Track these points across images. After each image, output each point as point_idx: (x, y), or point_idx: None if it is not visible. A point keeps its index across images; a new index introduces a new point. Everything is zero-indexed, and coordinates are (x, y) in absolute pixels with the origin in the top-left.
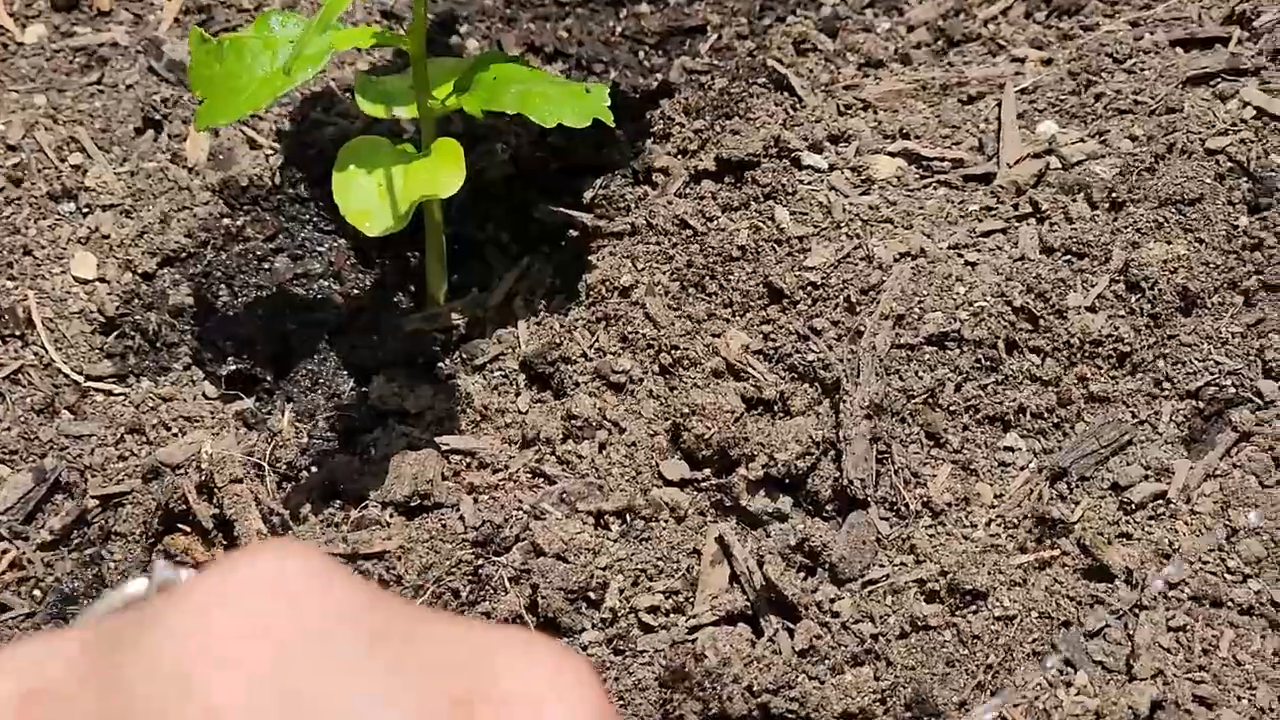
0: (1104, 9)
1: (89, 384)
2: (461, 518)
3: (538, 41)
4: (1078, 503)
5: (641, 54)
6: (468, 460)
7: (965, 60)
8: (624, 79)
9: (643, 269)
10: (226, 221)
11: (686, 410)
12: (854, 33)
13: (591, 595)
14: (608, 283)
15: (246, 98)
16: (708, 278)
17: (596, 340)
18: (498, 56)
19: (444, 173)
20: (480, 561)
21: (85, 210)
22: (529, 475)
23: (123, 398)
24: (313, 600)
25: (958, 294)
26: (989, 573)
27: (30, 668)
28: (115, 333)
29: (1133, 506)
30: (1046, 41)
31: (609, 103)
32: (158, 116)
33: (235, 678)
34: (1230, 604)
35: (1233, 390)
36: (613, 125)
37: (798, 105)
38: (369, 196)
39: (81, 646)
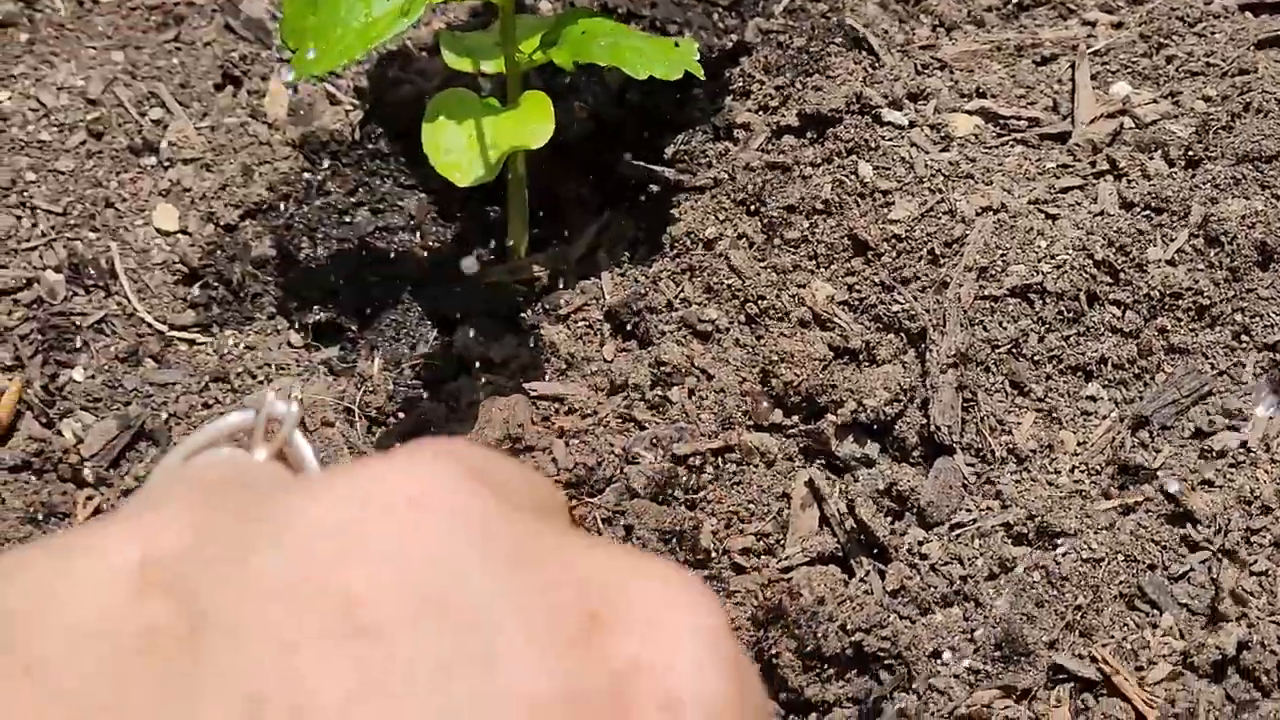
0: None
1: (173, 333)
2: (554, 460)
3: (611, 3)
4: (1159, 450)
5: (715, 15)
6: (556, 406)
7: (1037, 23)
8: (699, 39)
9: (726, 221)
10: (307, 176)
11: (774, 358)
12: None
13: (685, 536)
14: (691, 235)
15: (344, 48)
16: (792, 230)
17: (681, 291)
18: (583, 11)
19: (533, 124)
20: (574, 503)
21: (166, 164)
22: (619, 420)
23: (206, 346)
24: (463, 507)
25: (1039, 247)
26: (1075, 517)
27: (151, 535)
28: (199, 283)
29: (1214, 454)
30: (1116, 6)
31: (698, 56)
32: (236, 73)
33: (379, 573)
34: None
35: None
36: (702, 78)
37: (876, 64)
38: (459, 147)
39: (206, 515)
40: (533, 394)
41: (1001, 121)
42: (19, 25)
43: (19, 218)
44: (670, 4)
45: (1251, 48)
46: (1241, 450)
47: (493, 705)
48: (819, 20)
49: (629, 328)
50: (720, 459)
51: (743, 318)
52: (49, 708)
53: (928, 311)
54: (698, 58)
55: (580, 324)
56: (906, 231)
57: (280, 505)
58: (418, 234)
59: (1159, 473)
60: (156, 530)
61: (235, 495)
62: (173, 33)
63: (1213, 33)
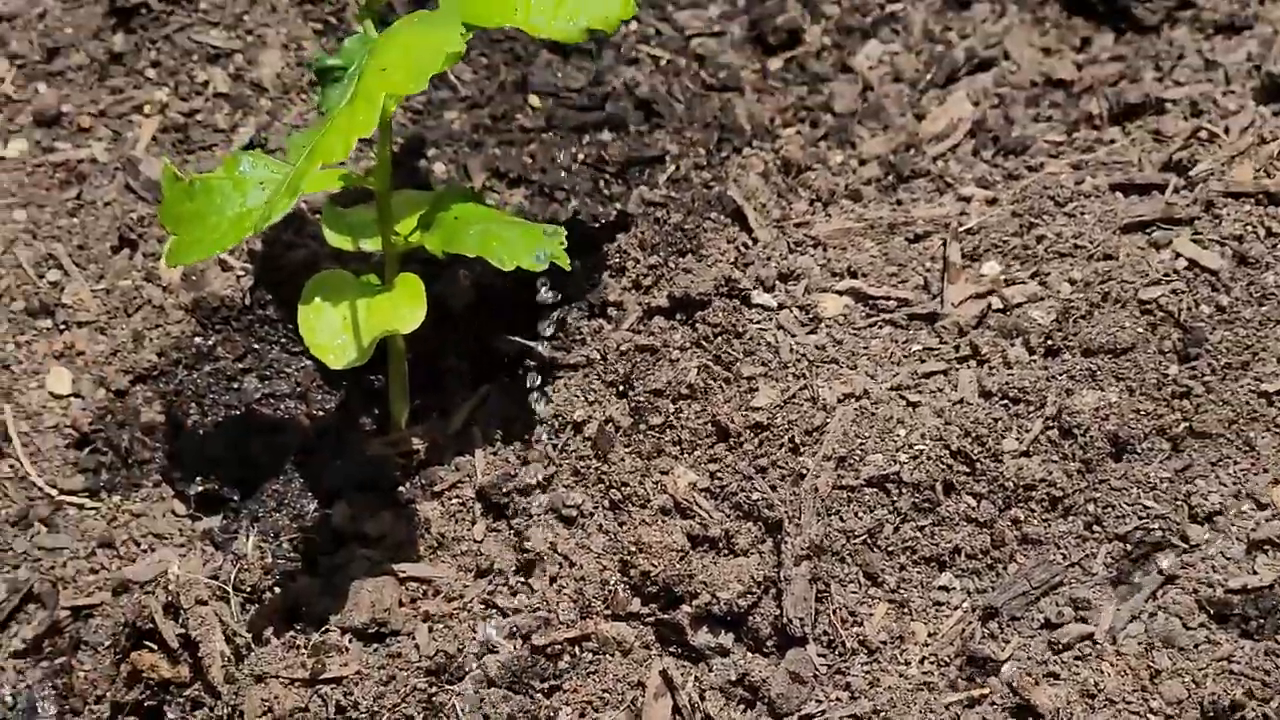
0: (1049, 149)
1: (62, 497)
2: (416, 646)
3: (503, 168)
4: (1008, 641)
5: (602, 182)
6: (424, 588)
7: (914, 197)
8: (584, 206)
9: (595, 404)
10: (198, 340)
11: (634, 547)
12: (808, 167)
13: None
14: (561, 416)
15: (217, 237)
16: (657, 415)
17: (550, 474)
18: (459, 193)
19: (406, 308)
20: (434, 690)
21: (62, 326)
22: (482, 605)
23: (94, 512)
24: None
25: (898, 436)
26: (920, 711)
27: None
28: (89, 448)
29: (1060, 646)
30: (992, 180)
31: (565, 245)
32: (134, 235)
33: None
34: None
35: (1160, 534)
36: (568, 269)
37: (750, 242)
38: (333, 330)
39: None
40: (402, 575)
41: (871, 302)
42: None
43: None
44: (560, 170)
45: (1117, 231)
46: (1088, 643)
47: None
48: (700, 191)
49: (499, 508)
50: (578, 647)
51: (606, 503)
52: None
53: (785, 502)
54: (565, 246)
55: (453, 501)
56: (769, 419)
57: None
58: (303, 401)
59: (1005, 665)
60: None
61: None
62: (74, 191)
63: (1082, 213)
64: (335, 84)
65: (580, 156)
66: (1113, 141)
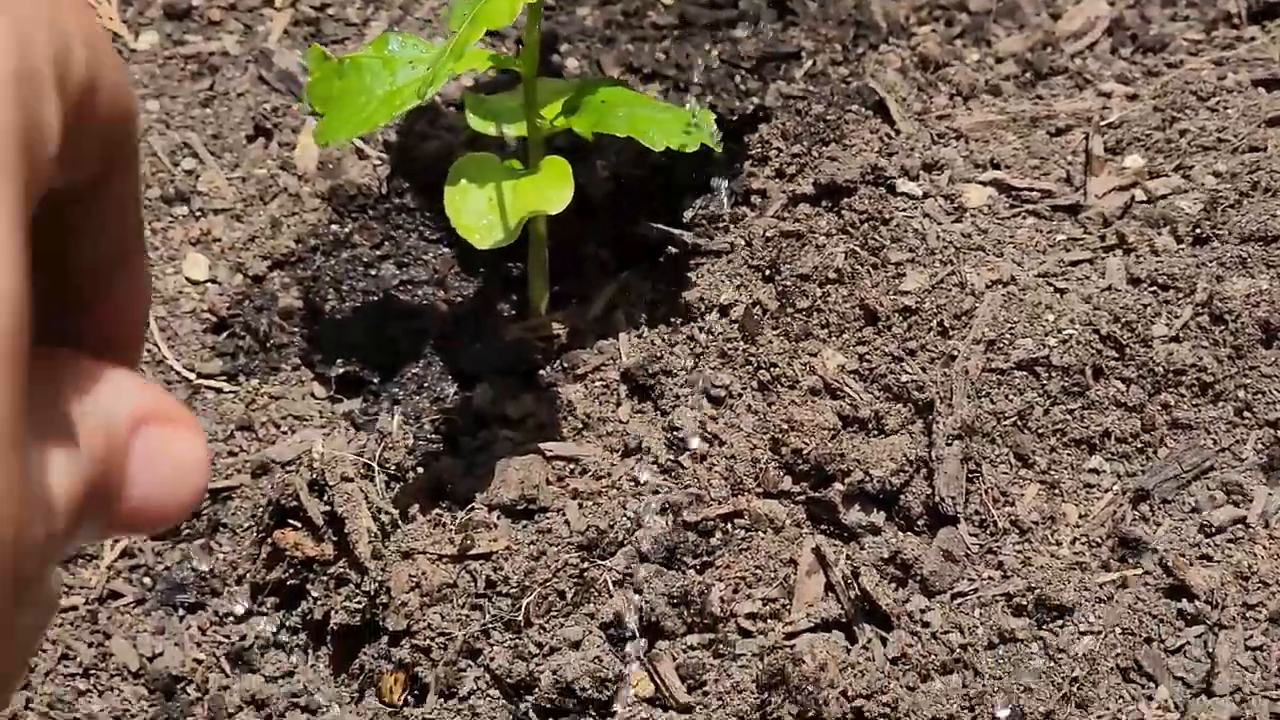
0: (1188, 46)
1: (199, 381)
2: (567, 522)
3: (636, 63)
4: (1159, 524)
5: (738, 78)
6: (572, 467)
7: (1053, 93)
8: (720, 101)
9: (741, 288)
10: (335, 228)
11: (785, 425)
12: (945, 64)
13: (693, 601)
14: (706, 300)
15: (367, 115)
16: (805, 299)
17: (696, 355)
18: (603, 80)
19: (552, 189)
20: (585, 565)
21: (198, 214)
22: (632, 483)
23: (232, 395)
24: None
25: (1047, 321)
26: (1074, 589)
27: None
28: (226, 332)
29: (1213, 529)
30: (1132, 77)
31: (715, 128)
32: (268, 125)
33: None
34: None
35: None
36: (718, 150)
37: (892, 133)
38: (479, 211)
39: None
40: (549, 454)
41: (1014, 193)
42: None
43: None
44: (692, 66)
45: (1262, 125)
46: (1240, 526)
47: None
48: (839, 85)
49: (645, 390)
50: (729, 524)
51: (755, 384)
52: None
53: (935, 383)
54: (714, 129)
55: (597, 384)
56: (917, 303)
57: None
58: (441, 288)
59: (1158, 546)
60: None
61: None
62: (207, 82)
63: (1225, 108)
64: None
65: (715, 53)
66: (1252, 39)
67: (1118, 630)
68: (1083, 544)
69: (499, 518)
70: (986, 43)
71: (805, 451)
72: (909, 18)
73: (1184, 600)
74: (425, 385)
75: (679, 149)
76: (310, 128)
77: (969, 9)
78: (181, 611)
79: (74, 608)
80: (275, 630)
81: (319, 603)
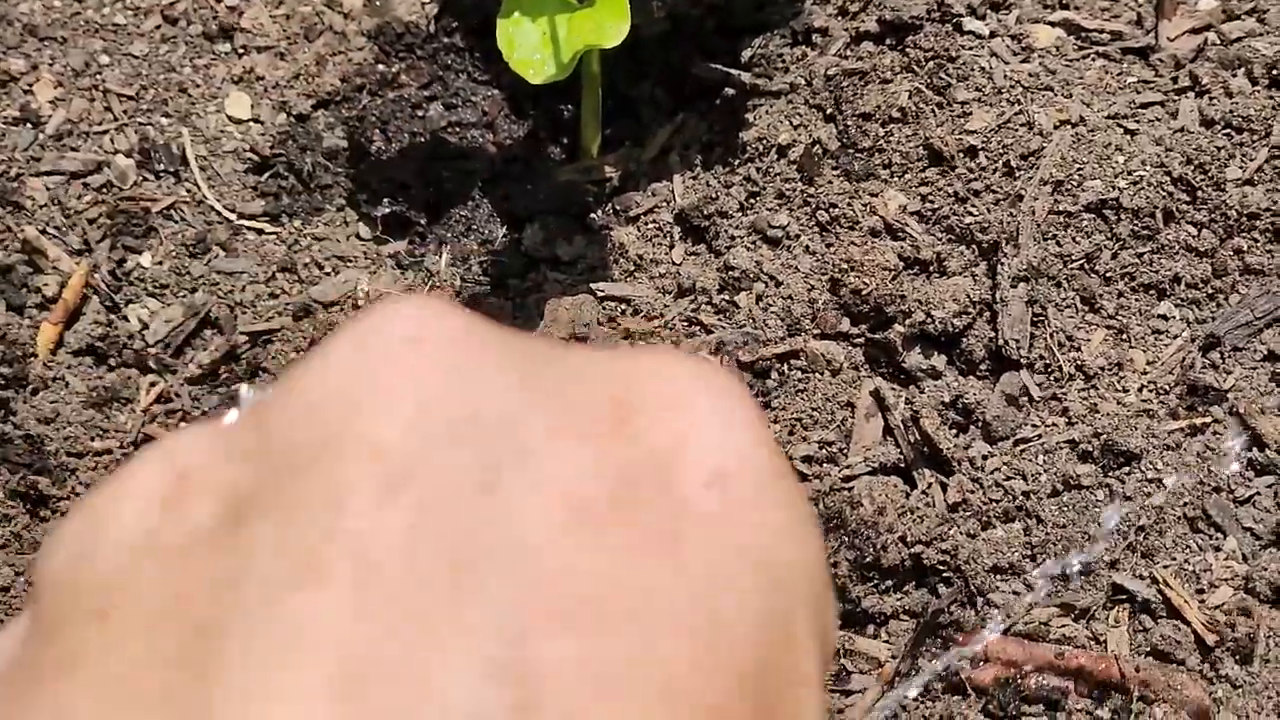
0: None
1: (241, 222)
2: None
3: None
4: (1230, 372)
5: None
6: (623, 307)
7: None
8: None
9: (800, 127)
10: (381, 67)
11: (844, 266)
12: None
13: None
14: (764, 140)
15: None
16: (867, 138)
17: (753, 196)
18: None
19: (609, 22)
20: None
21: (240, 51)
22: (684, 324)
23: (274, 236)
24: (462, 336)
25: (1117, 163)
26: (1142, 436)
27: (181, 450)
28: (268, 172)
29: None
30: None
31: None
32: None
33: (401, 406)
34: None
35: None
36: None
37: None
38: (533, 44)
39: (224, 428)
40: (600, 294)
41: (1084, 34)
42: None
43: (91, 100)
44: None
45: None
46: None
47: (533, 502)
48: None
49: (699, 231)
50: (785, 365)
51: (814, 225)
52: (124, 643)
53: (1000, 224)
54: None
55: (650, 226)
56: (983, 143)
57: (280, 398)
58: (490, 130)
59: (1229, 394)
60: (184, 445)
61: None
62: None
63: None
64: None
65: None
66: None
67: (1186, 480)
68: (1150, 390)
69: None
70: None
71: (865, 292)
72: None
73: (1255, 449)
74: (473, 227)
75: None
76: None
77: None
78: None
79: (109, 451)
80: None
81: None
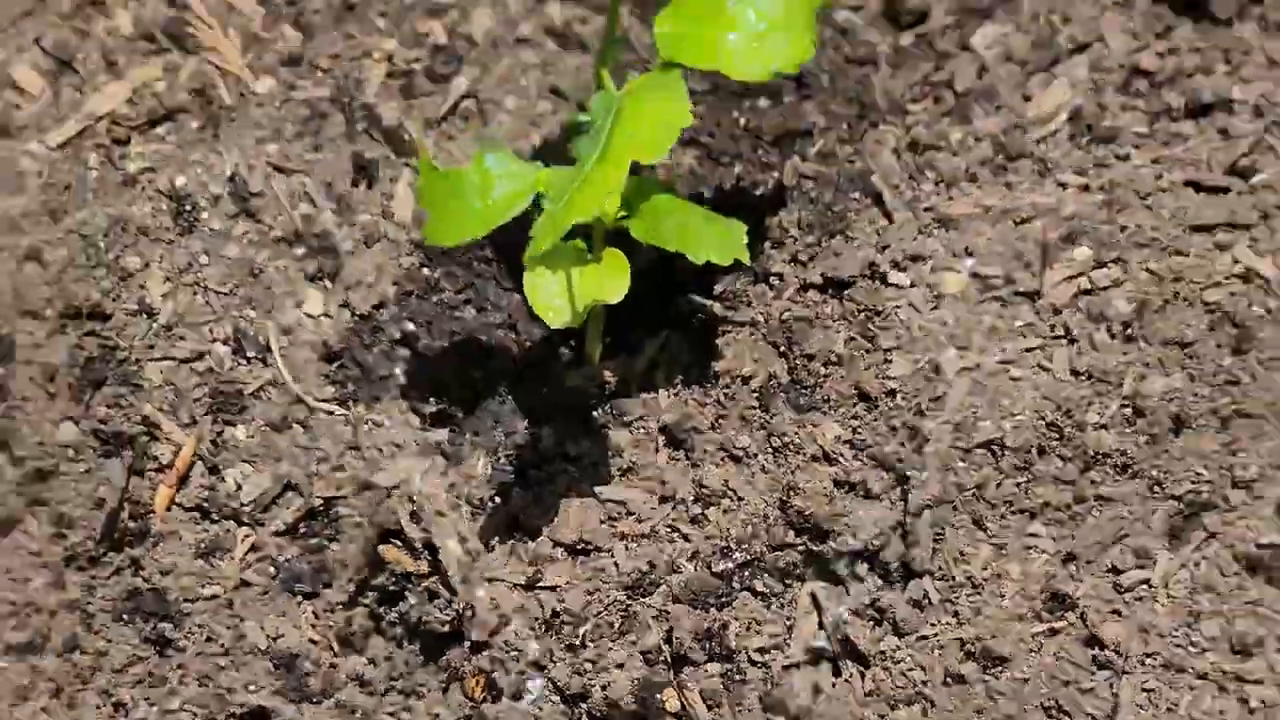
0: (1134, 139)
1: (316, 404)
2: (615, 564)
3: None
4: (1082, 581)
5: (760, 151)
6: (619, 509)
7: (1020, 180)
8: (747, 173)
9: (759, 361)
10: (425, 273)
11: (791, 488)
12: (932, 146)
13: (715, 635)
14: (731, 372)
15: (467, 226)
16: (811, 376)
17: (721, 418)
18: (654, 183)
19: (611, 281)
20: (629, 601)
21: (313, 253)
22: (668, 529)
23: (343, 419)
24: None
25: (1003, 407)
26: (1013, 640)
27: None
28: (337, 363)
29: (1124, 588)
30: (1085, 168)
31: (746, 242)
32: (371, 173)
33: None
34: (1190, 670)
35: (1207, 496)
36: (748, 264)
37: (887, 225)
38: (553, 295)
39: None
40: (602, 497)
41: (984, 280)
42: (191, 112)
43: (194, 295)
44: (725, 136)
45: (1188, 230)
46: (1145, 586)
47: None
48: (844, 166)
49: (679, 441)
50: (744, 571)
51: (769, 447)
52: None
53: (911, 457)
54: (744, 243)
55: (640, 431)
56: (901, 386)
57: None
58: (513, 331)
59: (1080, 601)
60: None
61: None
62: (315, 127)
63: (1160, 207)
64: (583, 136)
65: (742, 122)
66: (1188, 137)
67: (1044, 675)
68: (1021, 597)
69: (562, 554)
70: (968, 121)
71: (806, 511)
72: (904, 95)
73: (1097, 649)
74: (499, 420)
75: (717, 261)
76: (407, 179)
77: (955, 89)
78: (299, 598)
79: (215, 596)
80: (377, 623)
81: (414, 607)
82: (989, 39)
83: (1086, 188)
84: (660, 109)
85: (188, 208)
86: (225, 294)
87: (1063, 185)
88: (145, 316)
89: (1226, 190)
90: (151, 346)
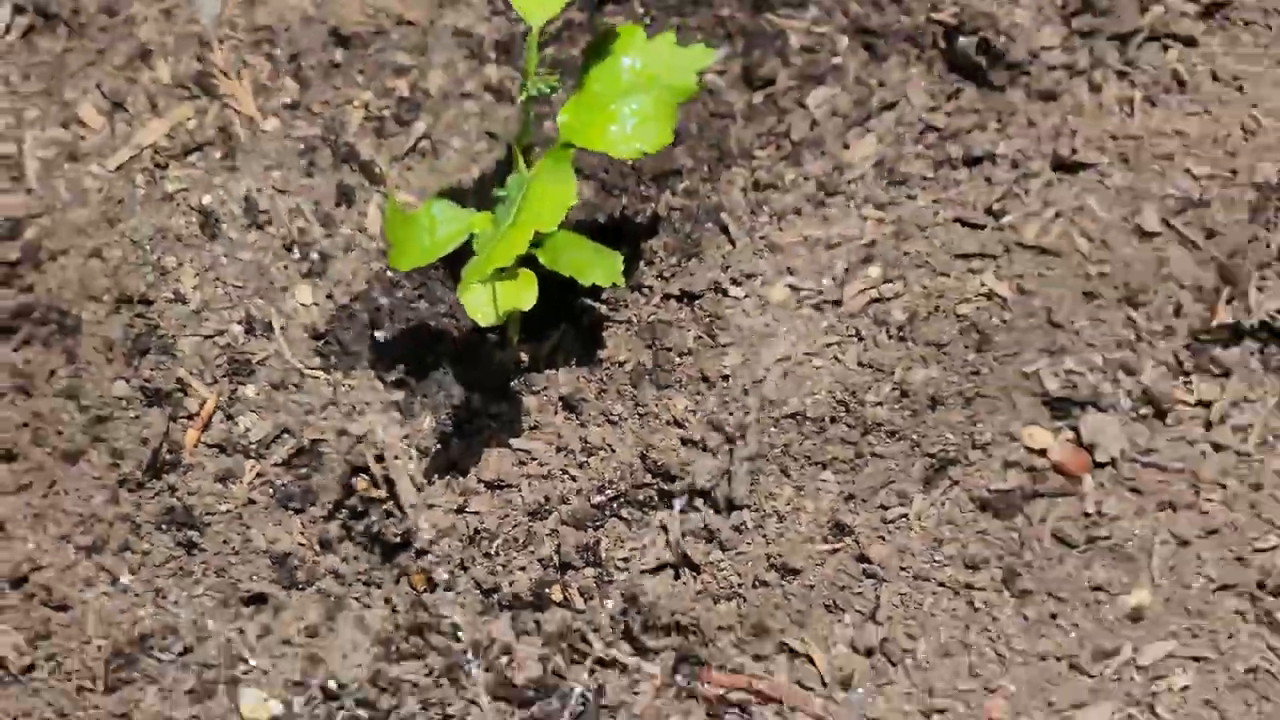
0: (921, 182)
1: (306, 370)
2: (522, 496)
3: (585, 169)
4: (857, 515)
5: (641, 185)
6: (526, 456)
7: (834, 213)
8: (630, 203)
9: (631, 351)
10: (390, 275)
11: (650, 444)
12: (770, 185)
13: (590, 549)
14: (611, 358)
15: (419, 255)
16: (668, 364)
17: (602, 392)
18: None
19: (525, 292)
20: (531, 523)
21: (305, 257)
22: (560, 472)
23: (326, 382)
24: None
25: (807, 387)
26: (804, 556)
27: None
28: (323, 340)
29: (888, 520)
30: (883, 203)
31: (622, 269)
32: (350, 196)
33: None
34: (933, 580)
35: (952, 454)
36: (622, 285)
37: (730, 250)
38: (482, 303)
39: None
40: (515, 447)
41: (800, 292)
42: (215, 145)
43: (217, 287)
44: (616, 174)
45: (954, 257)
46: (904, 519)
47: None
48: (704, 200)
49: (572, 407)
50: (614, 503)
51: (636, 415)
52: None
53: (737, 424)
54: (620, 269)
55: (544, 399)
56: (732, 372)
57: None
58: (455, 320)
59: (855, 529)
60: None
61: None
62: (309, 159)
63: (935, 239)
64: (501, 204)
65: (628, 162)
66: (960, 182)
67: (827, 583)
68: (813, 525)
69: (483, 488)
70: (800, 164)
71: (660, 461)
72: (752, 143)
73: (866, 564)
74: (442, 387)
75: (599, 283)
76: (377, 201)
77: (791, 138)
78: (291, 513)
79: (229, 510)
80: (348, 533)
81: (375, 523)
82: (820, 99)
83: (882, 220)
84: (555, 191)
85: (212, 220)
86: (239, 287)
87: (864, 218)
88: (180, 303)
89: (983, 227)
90: (184, 325)
